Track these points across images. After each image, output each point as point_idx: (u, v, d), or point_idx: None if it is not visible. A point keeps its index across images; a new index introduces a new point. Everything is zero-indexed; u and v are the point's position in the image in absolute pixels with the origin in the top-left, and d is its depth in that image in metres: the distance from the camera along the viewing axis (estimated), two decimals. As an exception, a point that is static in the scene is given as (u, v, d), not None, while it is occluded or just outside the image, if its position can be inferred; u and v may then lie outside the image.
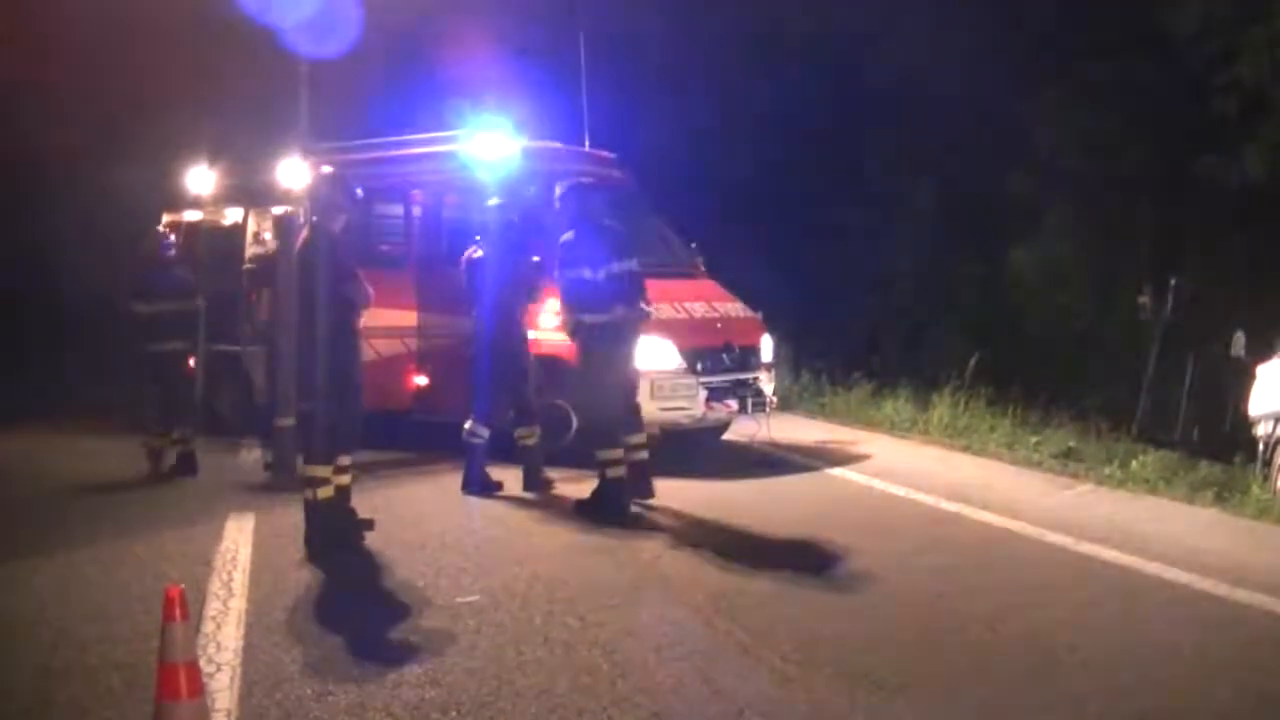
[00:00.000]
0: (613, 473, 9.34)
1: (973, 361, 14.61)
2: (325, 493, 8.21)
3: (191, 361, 12.39)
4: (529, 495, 10.14)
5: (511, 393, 10.46)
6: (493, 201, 10.67)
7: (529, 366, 10.73)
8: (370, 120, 14.93)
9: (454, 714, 5.16)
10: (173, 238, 12.37)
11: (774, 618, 6.53)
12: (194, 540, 8.44)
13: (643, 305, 9.63)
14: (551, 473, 10.54)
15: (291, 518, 8.59)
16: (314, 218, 9.03)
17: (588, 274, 9.34)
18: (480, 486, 10.16)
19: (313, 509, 8.20)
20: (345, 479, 8.46)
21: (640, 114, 18.38)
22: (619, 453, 9.37)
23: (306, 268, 8.45)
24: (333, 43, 10.96)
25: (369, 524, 8.58)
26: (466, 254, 10.58)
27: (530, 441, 10.43)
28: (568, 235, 9.56)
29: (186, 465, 11.35)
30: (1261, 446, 10.51)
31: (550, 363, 11.18)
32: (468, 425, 10.21)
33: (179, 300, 11.60)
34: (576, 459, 11.02)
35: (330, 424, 8.28)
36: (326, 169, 10.34)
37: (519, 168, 11.88)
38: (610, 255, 9.38)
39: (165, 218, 15.21)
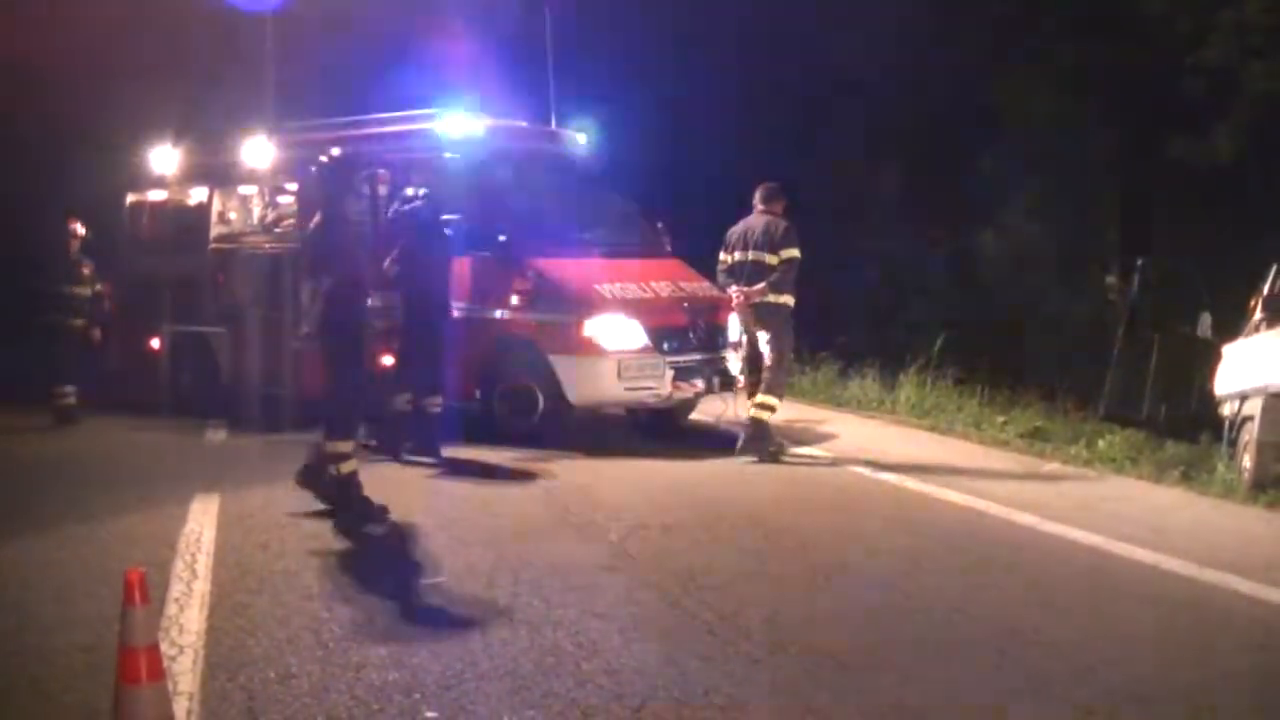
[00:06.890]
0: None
1: (939, 341, 14.65)
2: (349, 467, 8.32)
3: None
4: (477, 470, 10.16)
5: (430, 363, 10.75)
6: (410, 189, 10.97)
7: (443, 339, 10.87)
8: (336, 99, 14.78)
9: (418, 696, 5.13)
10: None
11: (740, 598, 6.53)
12: (159, 522, 8.35)
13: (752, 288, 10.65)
14: (515, 452, 10.59)
15: (257, 499, 8.55)
16: (326, 204, 8.93)
17: (722, 256, 10.97)
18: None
19: (341, 484, 8.29)
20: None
21: (607, 95, 18.32)
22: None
23: (323, 252, 8.52)
24: (297, 20, 10.90)
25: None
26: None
27: (436, 410, 10.76)
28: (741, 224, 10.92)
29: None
30: (1227, 426, 10.58)
31: (512, 341, 11.16)
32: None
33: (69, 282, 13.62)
34: (548, 440, 11.04)
35: (351, 401, 8.48)
36: (335, 151, 10.20)
37: (477, 145, 11.92)
38: (737, 245, 10.82)
39: (130, 197, 15.10)
